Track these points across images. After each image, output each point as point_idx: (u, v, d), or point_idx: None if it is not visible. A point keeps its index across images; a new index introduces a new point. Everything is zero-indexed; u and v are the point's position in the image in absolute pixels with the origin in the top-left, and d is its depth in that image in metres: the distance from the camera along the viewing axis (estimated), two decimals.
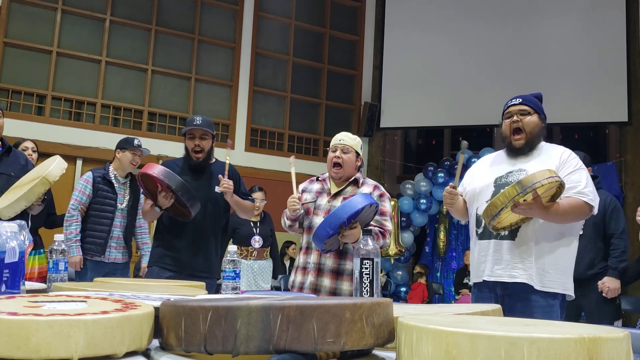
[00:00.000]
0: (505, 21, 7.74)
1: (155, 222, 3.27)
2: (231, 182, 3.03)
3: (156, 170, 2.83)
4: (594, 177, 3.81)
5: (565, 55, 7.45)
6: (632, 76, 7.21)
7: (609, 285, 3.55)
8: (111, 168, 3.98)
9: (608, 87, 7.29)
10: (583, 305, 3.68)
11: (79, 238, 3.79)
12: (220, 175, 3.02)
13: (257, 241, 4.91)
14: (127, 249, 3.94)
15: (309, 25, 7.99)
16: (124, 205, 3.90)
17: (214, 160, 3.28)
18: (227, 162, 3.07)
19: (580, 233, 3.60)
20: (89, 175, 3.91)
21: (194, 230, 3.08)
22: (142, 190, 3.09)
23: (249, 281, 4.85)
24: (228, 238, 4.83)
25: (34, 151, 3.96)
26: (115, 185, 3.90)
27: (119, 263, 3.90)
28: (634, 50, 7.25)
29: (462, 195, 2.61)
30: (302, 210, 2.82)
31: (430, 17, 8.01)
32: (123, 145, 3.97)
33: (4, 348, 0.82)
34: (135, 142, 3.97)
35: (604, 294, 3.56)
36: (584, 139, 9.07)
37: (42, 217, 4.08)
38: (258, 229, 4.97)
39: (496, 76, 7.59)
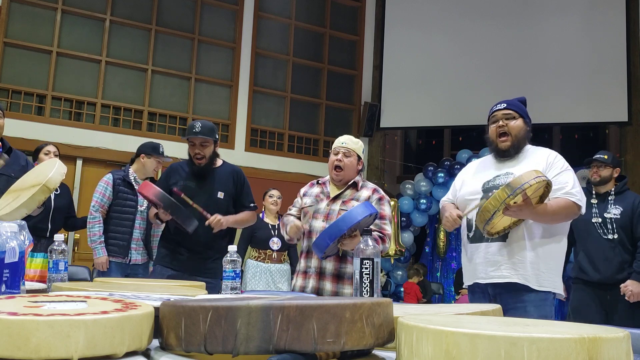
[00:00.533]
0: (505, 21, 7.74)
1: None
2: (218, 219, 3.07)
3: (152, 191, 2.89)
4: (622, 177, 3.79)
5: (565, 55, 7.44)
6: (632, 76, 7.21)
7: (631, 288, 3.44)
8: (131, 170, 4.00)
9: (608, 87, 7.28)
10: (610, 310, 3.60)
11: (102, 239, 3.82)
12: (208, 215, 3.06)
13: (275, 243, 4.83)
14: (146, 250, 3.98)
15: (309, 25, 7.99)
16: (143, 207, 3.92)
17: (220, 162, 3.30)
18: (194, 205, 3.11)
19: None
20: (109, 177, 3.94)
21: (198, 235, 3.09)
22: (144, 199, 3.16)
23: (268, 284, 4.77)
24: (246, 241, 4.84)
25: (55, 155, 4.01)
26: (135, 187, 3.92)
27: (139, 264, 3.94)
28: (634, 50, 7.25)
29: (454, 203, 2.66)
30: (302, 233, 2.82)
31: (431, 17, 8.00)
32: (149, 151, 3.99)
33: (4, 348, 0.82)
34: (161, 149, 4.03)
35: (626, 298, 3.45)
36: (584, 139, 9.07)
37: (62, 219, 4.12)
38: (276, 231, 4.88)
39: (496, 76, 7.59)
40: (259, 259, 4.85)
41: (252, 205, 3.32)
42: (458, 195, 2.62)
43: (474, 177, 2.57)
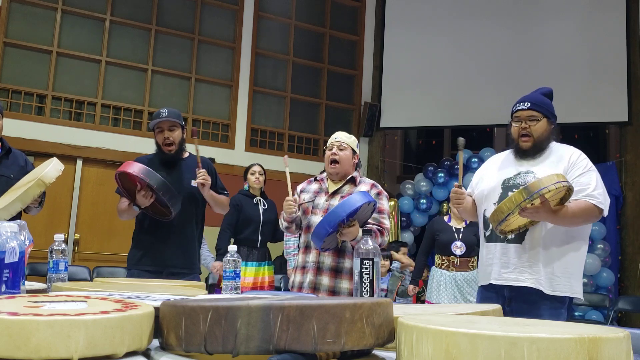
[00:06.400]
0: (505, 21, 7.73)
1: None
2: (207, 175, 2.99)
3: (136, 168, 2.74)
4: None
5: (565, 55, 7.44)
6: (632, 76, 7.20)
7: None
8: None
9: (608, 87, 7.28)
10: None
11: (297, 252, 4.04)
12: (197, 169, 2.98)
13: (458, 247, 4.48)
14: None
15: (309, 25, 7.99)
16: None
17: (187, 154, 3.22)
18: (198, 153, 3.03)
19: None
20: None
21: (171, 227, 3.01)
22: (118, 188, 2.99)
23: (454, 295, 4.42)
24: (429, 245, 4.72)
25: (260, 174, 4.55)
26: None
27: None
28: (634, 50, 7.25)
29: (471, 196, 2.62)
30: (299, 212, 2.83)
31: (431, 17, 8.00)
32: None
33: (4, 348, 0.82)
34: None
35: None
36: (584, 139, 9.06)
37: (270, 231, 4.55)
38: (461, 235, 4.54)
39: (496, 76, 7.59)
40: (442, 267, 4.51)
41: (225, 192, 3.26)
42: (476, 190, 2.59)
43: (494, 173, 2.54)
